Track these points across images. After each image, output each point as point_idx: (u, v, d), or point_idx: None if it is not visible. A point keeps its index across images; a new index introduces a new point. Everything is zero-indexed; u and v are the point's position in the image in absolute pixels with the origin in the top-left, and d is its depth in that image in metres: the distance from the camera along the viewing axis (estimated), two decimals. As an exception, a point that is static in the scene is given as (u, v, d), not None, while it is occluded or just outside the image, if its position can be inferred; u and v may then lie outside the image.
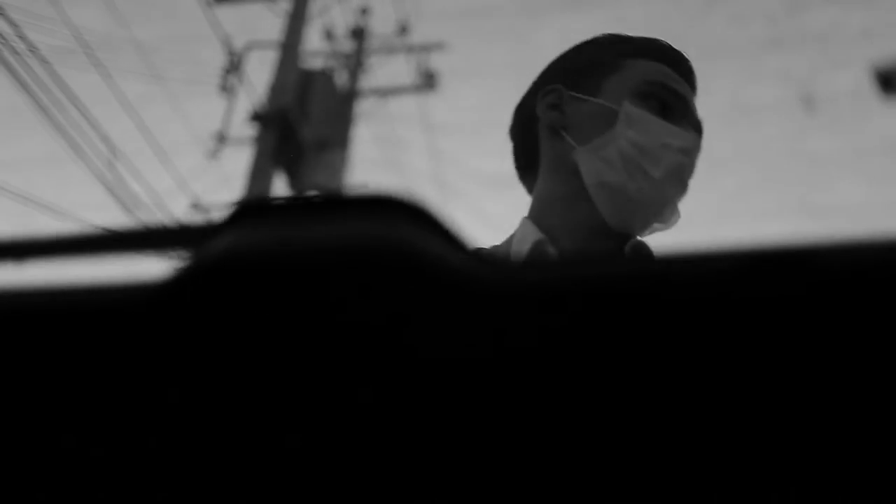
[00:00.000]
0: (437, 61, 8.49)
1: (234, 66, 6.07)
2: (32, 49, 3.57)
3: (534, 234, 0.64)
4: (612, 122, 0.65)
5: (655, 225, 0.67)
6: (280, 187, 6.77)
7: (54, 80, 3.78)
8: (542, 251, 0.62)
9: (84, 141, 4.10)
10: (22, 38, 3.52)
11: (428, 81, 7.61)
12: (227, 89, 6.05)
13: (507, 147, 0.75)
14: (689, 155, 0.65)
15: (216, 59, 6.12)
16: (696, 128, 0.69)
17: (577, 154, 0.66)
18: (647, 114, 0.65)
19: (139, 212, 4.69)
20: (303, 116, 6.53)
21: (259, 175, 5.92)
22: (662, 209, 0.66)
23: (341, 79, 7.31)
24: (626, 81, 0.67)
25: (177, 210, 6.72)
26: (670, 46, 0.71)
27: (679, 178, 0.65)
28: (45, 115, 3.81)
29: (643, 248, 0.66)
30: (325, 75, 6.85)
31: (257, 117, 6.19)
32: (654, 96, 0.66)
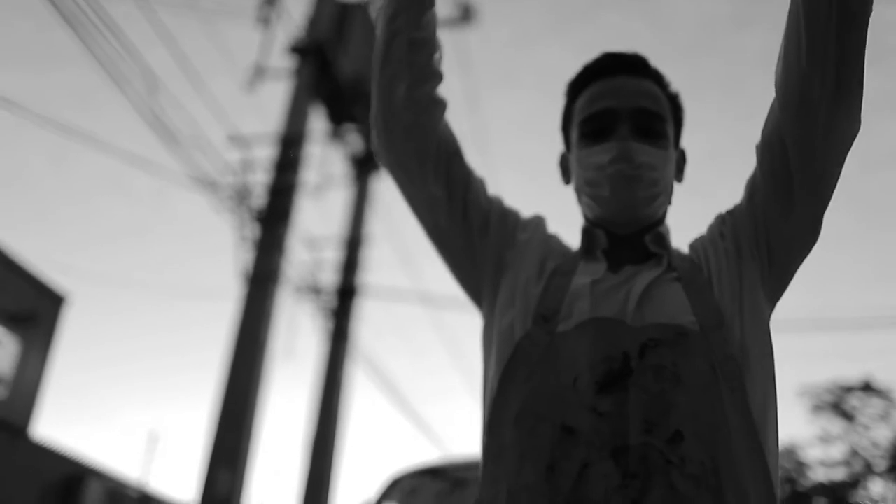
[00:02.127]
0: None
1: (271, -3, 6.07)
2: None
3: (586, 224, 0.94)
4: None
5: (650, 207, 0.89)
6: (318, 122, 6.82)
7: (94, 9, 3.87)
8: (590, 231, 0.92)
9: (124, 71, 4.21)
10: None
11: (465, 14, 7.52)
12: (264, 20, 6.07)
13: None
14: (622, 159, 0.86)
15: (255, -9, 6.11)
16: (634, 115, 0.88)
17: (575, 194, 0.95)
18: (582, 150, 0.90)
19: (177, 143, 4.82)
20: (340, 49, 6.53)
21: (297, 108, 5.97)
22: (635, 209, 0.87)
23: (379, 11, 7.23)
24: (574, 129, 0.93)
25: (215, 141, 6.83)
26: (593, 62, 0.93)
27: (626, 181, 0.86)
28: (85, 45, 3.92)
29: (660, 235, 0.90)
30: (363, 8, 6.81)
31: (294, 49, 6.21)
32: (587, 132, 0.90)
